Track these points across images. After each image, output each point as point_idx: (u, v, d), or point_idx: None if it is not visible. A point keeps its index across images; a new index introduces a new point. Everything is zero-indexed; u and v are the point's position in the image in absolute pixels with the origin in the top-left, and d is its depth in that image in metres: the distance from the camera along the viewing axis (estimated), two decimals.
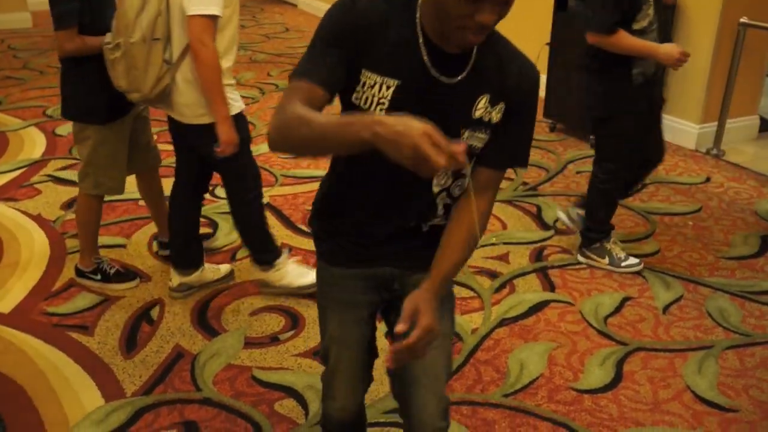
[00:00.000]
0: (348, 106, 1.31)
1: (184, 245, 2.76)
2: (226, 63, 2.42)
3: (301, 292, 2.75)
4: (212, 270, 2.86)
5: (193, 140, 2.57)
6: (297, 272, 2.78)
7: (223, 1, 2.31)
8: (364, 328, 1.57)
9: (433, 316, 1.29)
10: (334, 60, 1.26)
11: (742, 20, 4.07)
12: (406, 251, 1.47)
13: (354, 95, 1.29)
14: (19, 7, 7.57)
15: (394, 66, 1.27)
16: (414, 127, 1.00)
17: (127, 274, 2.89)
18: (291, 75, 1.28)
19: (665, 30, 4.25)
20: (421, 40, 1.27)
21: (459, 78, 1.29)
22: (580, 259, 3.05)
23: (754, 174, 4.02)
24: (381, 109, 1.28)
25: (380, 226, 1.44)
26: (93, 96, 2.64)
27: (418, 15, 1.27)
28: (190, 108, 2.45)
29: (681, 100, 4.39)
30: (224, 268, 2.90)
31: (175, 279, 2.77)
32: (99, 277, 2.85)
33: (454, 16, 1.18)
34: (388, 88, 1.27)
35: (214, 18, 2.29)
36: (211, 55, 2.30)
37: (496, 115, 1.34)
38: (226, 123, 2.40)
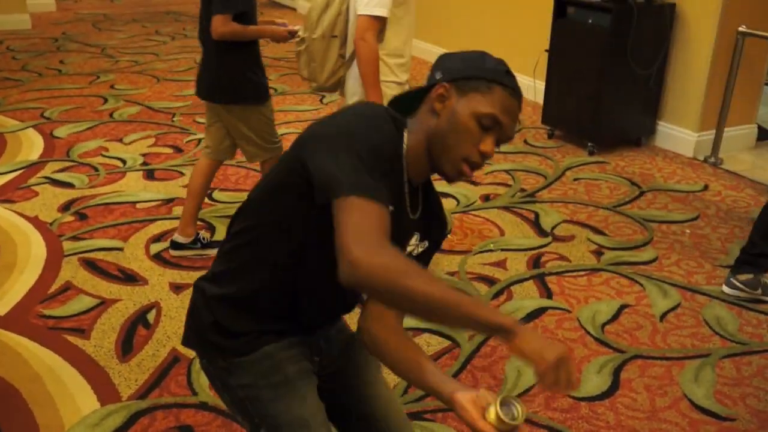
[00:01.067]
0: (312, 204, 1.19)
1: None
2: (396, 60, 2.62)
3: None
4: None
5: None
6: None
7: (390, 3, 2.48)
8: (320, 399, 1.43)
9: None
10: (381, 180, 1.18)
11: (740, 29, 4.08)
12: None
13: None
14: (18, 8, 7.57)
15: (389, 192, 1.19)
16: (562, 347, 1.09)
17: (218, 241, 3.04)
18: (351, 189, 1.12)
19: (664, 38, 4.27)
20: (405, 173, 1.32)
21: (418, 213, 1.38)
22: (726, 290, 2.88)
23: (751, 182, 4.02)
24: None
25: (317, 316, 1.44)
26: (257, 78, 2.97)
27: (404, 146, 1.31)
28: (354, 99, 2.66)
29: (679, 107, 4.40)
30: None
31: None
32: (198, 245, 3.05)
33: (462, 142, 1.26)
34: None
35: (378, 18, 2.48)
36: (369, 50, 2.49)
37: (418, 250, 1.43)
38: None
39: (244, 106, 2.96)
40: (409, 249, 1.39)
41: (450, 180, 1.32)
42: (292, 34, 3.00)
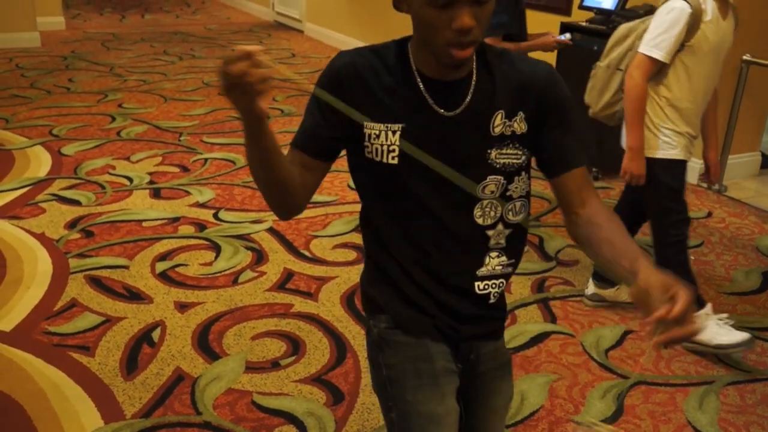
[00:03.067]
0: (362, 165, 1.32)
1: None
2: (672, 109, 2.57)
3: (718, 352, 2.62)
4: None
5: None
6: (719, 329, 2.64)
7: (672, 48, 2.47)
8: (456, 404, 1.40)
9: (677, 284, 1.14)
10: (322, 126, 1.31)
11: (744, 57, 4.11)
12: (480, 320, 1.41)
13: (366, 151, 1.30)
14: (28, 27, 7.64)
15: (394, 110, 1.27)
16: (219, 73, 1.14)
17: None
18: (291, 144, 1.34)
19: None
20: (418, 79, 1.28)
21: (462, 107, 1.27)
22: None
23: (755, 210, 4.03)
24: (393, 157, 1.28)
25: (441, 281, 1.36)
26: None
27: (411, 60, 1.28)
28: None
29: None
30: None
31: (591, 287, 2.88)
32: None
33: (434, 32, 1.18)
34: (393, 133, 1.27)
35: (652, 60, 2.49)
36: (634, 87, 2.51)
37: (519, 126, 1.30)
38: (631, 152, 2.61)
39: None
40: (497, 131, 1.29)
41: (453, 67, 1.25)
42: (560, 43, 3.24)
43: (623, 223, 1.31)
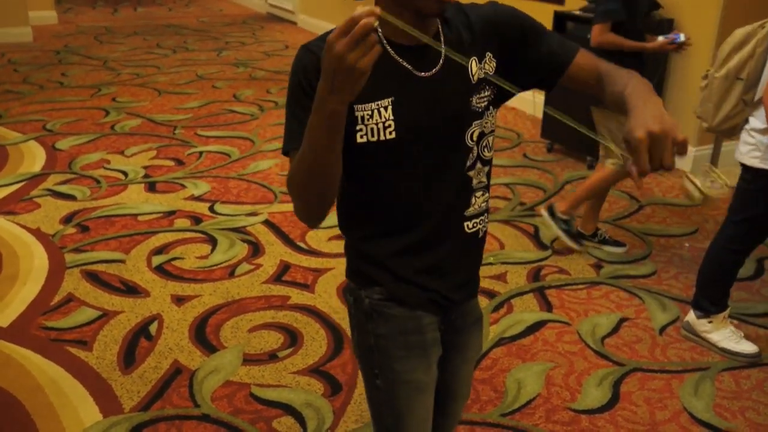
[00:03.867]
0: (360, 152, 1.28)
1: (706, 284, 2.67)
2: None
3: (735, 358, 2.57)
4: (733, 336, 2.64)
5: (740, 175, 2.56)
6: (731, 335, 2.61)
7: None
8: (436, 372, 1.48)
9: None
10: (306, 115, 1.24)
11: None
12: (468, 275, 1.48)
13: (359, 135, 1.27)
14: (21, 21, 7.61)
15: (378, 87, 1.25)
16: (327, 49, 1.03)
17: (617, 241, 3.32)
18: (283, 152, 1.34)
19: (662, 53, 4.30)
20: (390, 50, 1.27)
21: (439, 65, 1.29)
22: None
23: None
24: (390, 132, 1.28)
25: (437, 236, 1.37)
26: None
27: (380, 31, 1.26)
28: (746, 146, 2.45)
29: (678, 122, 4.42)
30: (749, 345, 2.61)
31: (690, 316, 2.69)
32: (596, 239, 3.32)
33: None
34: (385, 109, 1.27)
35: None
36: None
37: (489, 66, 1.33)
38: None
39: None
40: (475, 78, 1.31)
41: (434, 15, 1.25)
42: (679, 45, 3.16)
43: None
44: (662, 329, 2.75)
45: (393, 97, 1.27)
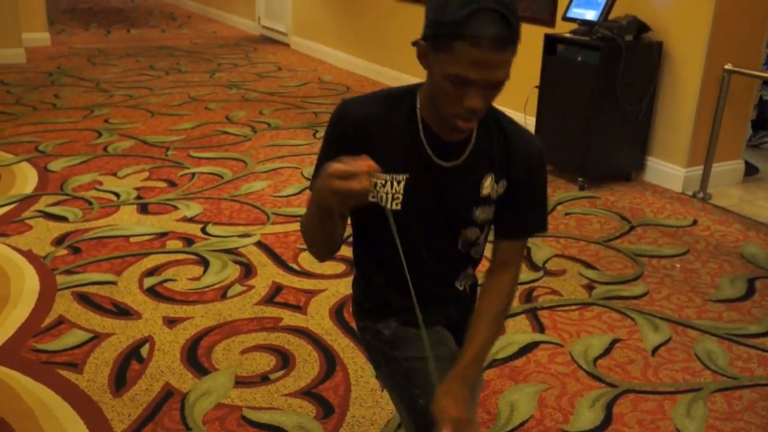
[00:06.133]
0: (365, 207, 1.34)
1: None
2: None
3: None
4: None
5: None
6: None
7: None
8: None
9: (461, 407, 1.31)
10: None
11: (726, 67, 4.16)
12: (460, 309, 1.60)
13: (370, 195, 1.30)
14: (14, 43, 7.62)
15: (399, 162, 1.36)
16: (324, 177, 1.18)
17: None
18: (310, 188, 1.38)
19: (652, 75, 4.34)
20: (421, 133, 1.36)
21: (461, 161, 1.38)
22: None
23: (739, 217, 4.07)
24: (396, 204, 1.38)
25: (427, 293, 1.46)
26: None
27: (418, 107, 1.37)
28: None
29: (668, 144, 4.46)
30: None
31: None
32: None
33: (445, 102, 1.25)
34: (398, 183, 1.36)
35: None
36: None
37: (500, 190, 1.44)
38: None
39: None
40: (485, 192, 1.42)
41: (455, 132, 1.35)
42: None
43: (488, 316, 1.48)
44: (654, 350, 2.75)
45: (408, 174, 1.37)
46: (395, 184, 1.36)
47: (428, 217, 1.41)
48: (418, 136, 1.36)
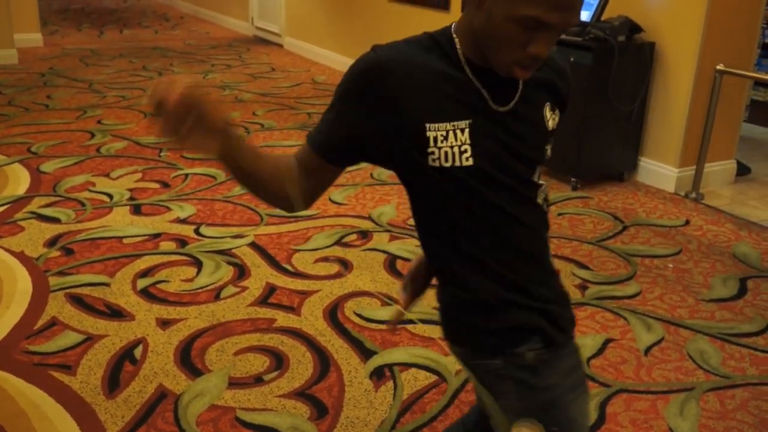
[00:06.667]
0: (426, 175, 1.17)
1: None
2: None
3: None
4: None
5: None
6: None
7: None
8: None
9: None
10: (352, 123, 1.17)
11: (718, 67, 4.18)
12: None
13: (430, 159, 1.15)
14: (6, 44, 7.60)
15: (454, 107, 1.15)
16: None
17: None
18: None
19: (644, 76, 4.36)
20: (469, 71, 1.17)
21: (515, 100, 1.20)
22: None
23: (731, 217, 4.09)
24: (467, 158, 1.15)
25: (533, 275, 1.27)
26: None
27: (459, 50, 1.18)
28: None
29: (660, 144, 4.48)
30: None
31: None
32: None
33: (504, 48, 1.10)
34: (462, 131, 1.15)
35: None
36: None
37: (555, 118, 1.30)
38: None
39: None
40: (550, 125, 1.28)
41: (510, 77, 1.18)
42: None
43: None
44: (647, 350, 2.76)
45: (471, 119, 1.16)
46: (458, 133, 1.14)
47: (504, 170, 1.18)
48: (469, 79, 1.16)
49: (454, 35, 1.19)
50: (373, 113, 1.14)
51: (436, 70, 1.16)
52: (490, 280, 1.22)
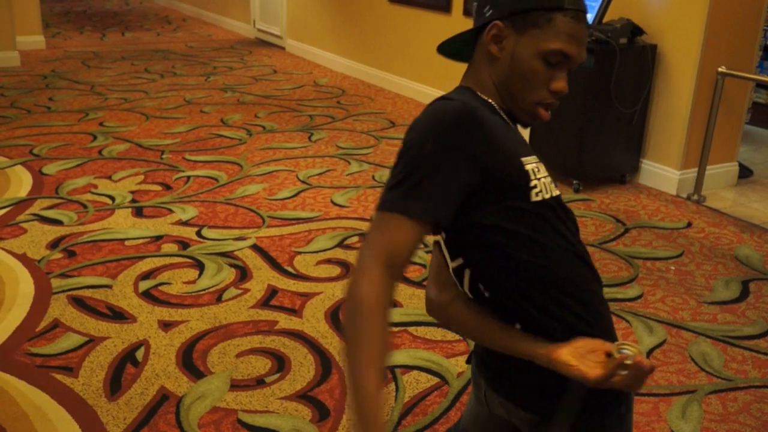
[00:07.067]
0: (521, 216, 1.13)
1: None
2: None
3: None
4: None
5: None
6: None
7: None
8: None
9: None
10: (461, 177, 1.07)
11: (720, 69, 4.18)
12: None
13: (533, 192, 1.13)
14: (8, 46, 7.61)
15: (523, 143, 1.19)
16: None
17: None
18: (384, 207, 1.05)
19: (646, 78, 4.36)
20: (507, 119, 1.21)
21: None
22: None
23: (733, 219, 4.09)
24: (554, 187, 1.19)
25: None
26: None
27: (489, 100, 1.19)
28: None
29: (662, 146, 4.48)
30: None
31: None
32: None
33: (529, 86, 1.14)
34: (539, 163, 1.18)
35: None
36: None
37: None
38: None
39: None
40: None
41: (527, 126, 1.22)
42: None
43: None
44: (649, 352, 2.76)
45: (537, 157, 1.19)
46: (541, 166, 1.16)
47: (563, 205, 1.20)
48: (511, 126, 1.20)
49: (479, 94, 1.20)
50: (477, 162, 1.07)
51: (493, 118, 1.15)
52: (598, 323, 1.24)
